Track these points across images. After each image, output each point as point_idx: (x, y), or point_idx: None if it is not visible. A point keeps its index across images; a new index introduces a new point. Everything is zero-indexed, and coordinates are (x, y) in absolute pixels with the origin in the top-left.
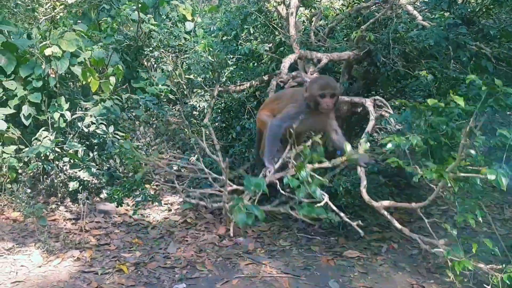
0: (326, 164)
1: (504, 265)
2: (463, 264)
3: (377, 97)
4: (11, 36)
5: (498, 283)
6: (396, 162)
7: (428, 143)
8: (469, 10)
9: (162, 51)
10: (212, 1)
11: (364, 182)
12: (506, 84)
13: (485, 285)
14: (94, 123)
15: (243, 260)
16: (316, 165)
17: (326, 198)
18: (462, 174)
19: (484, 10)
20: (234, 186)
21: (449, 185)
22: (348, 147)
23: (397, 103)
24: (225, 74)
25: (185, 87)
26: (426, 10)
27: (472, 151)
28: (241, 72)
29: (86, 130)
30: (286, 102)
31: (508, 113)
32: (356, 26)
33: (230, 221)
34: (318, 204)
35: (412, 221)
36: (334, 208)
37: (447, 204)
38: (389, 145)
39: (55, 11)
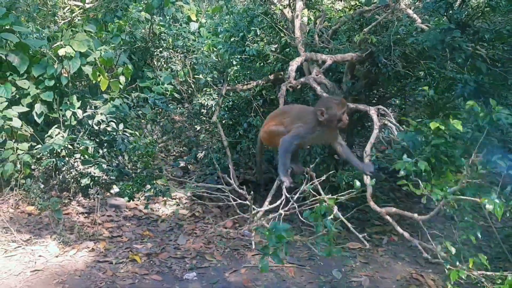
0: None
1: (494, 274)
2: (458, 273)
3: (380, 106)
4: (23, 37)
5: None
6: (407, 185)
7: (429, 160)
8: (465, 14)
9: (171, 51)
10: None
11: (369, 190)
12: (502, 84)
13: None
14: (104, 121)
15: (250, 251)
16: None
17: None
18: (463, 198)
19: (479, 14)
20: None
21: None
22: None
23: (397, 102)
24: (230, 74)
25: (193, 86)
26: (425, 14)
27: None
28: (247, 72)
29: (96, 127)
30: (293, 119)
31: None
32: (358, 28)
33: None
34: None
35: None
36: (345, 221)
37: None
38: (402, 172)
39: (73, 14)
